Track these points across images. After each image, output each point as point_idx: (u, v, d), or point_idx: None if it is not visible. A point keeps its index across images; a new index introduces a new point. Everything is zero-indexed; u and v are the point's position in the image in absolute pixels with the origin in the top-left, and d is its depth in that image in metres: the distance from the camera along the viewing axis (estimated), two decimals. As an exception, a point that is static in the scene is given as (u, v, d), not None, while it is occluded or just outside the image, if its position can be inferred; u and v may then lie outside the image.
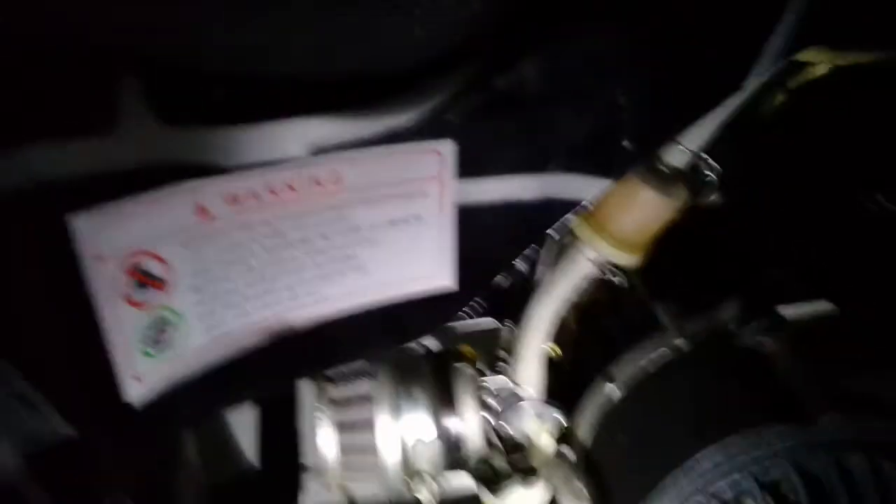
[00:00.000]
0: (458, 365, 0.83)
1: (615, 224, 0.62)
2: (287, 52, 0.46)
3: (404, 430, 0.80)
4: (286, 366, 0.59)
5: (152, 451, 0.59)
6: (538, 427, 0.79)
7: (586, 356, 0.79)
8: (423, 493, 0.83)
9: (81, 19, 0.39)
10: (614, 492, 0.71)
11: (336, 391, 0.81)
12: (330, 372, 0.82)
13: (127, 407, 0.51)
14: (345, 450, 0.81)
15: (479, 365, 0.84)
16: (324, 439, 0.81)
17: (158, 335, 0.51)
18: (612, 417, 0.72)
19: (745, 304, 0.67)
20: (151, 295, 0.50)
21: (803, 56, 0.57)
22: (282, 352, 0.57)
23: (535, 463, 0.81)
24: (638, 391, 0.71)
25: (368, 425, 0.81)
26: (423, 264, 0.59)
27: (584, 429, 0.75)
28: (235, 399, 0.62)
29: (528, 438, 0.81)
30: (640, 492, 0.66)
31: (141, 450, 0.56)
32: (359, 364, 0.82)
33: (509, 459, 0.83)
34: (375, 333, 0.61)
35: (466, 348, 0.87)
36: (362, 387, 0.81)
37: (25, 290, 0.45)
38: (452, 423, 0.82)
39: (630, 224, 0.61)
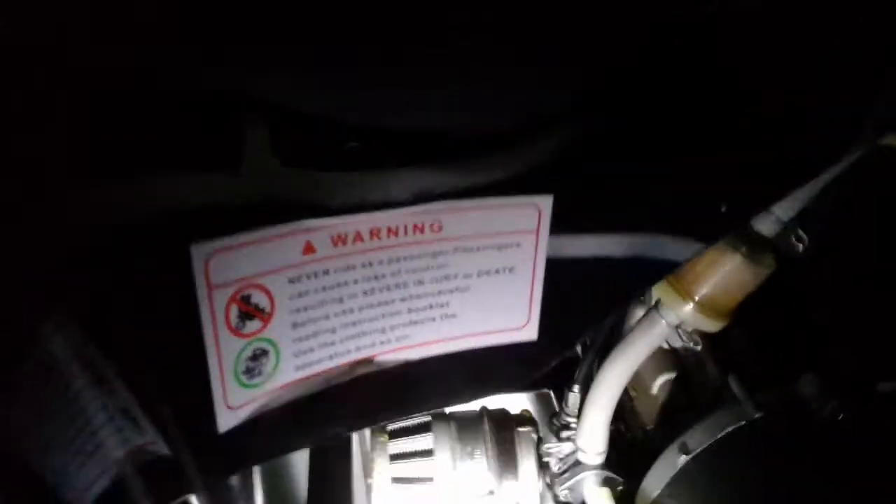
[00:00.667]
0: (519, 429, 0.83)
1: (701, 289, 0.62)
2: (409, 109, 0.48)
3: (462, 488, 0.80)
4: (367, 407, 0.60)
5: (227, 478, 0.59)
6: (600, 495, 0.78)
7: (655, 425, 0.78)
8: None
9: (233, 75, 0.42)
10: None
11: (395, 445, 0.81)
12: (390, 427, 0.83)
13: (217, 434, 0.52)
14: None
15: (542, 429, 0.84)
16: (379, 492, 0.81)
17: (255, 365, 0.52)
18: (681, 488, 0.71)
19: (824, 379, 0.66)
20: (254, 325, 0.51)
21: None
22: (365, 393, 0.58)
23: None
24: (709, 462, 0.70)
25: (426, 482, 0.80)
26: (511, 315, 0.59)
27: (649, 499, 0.74)
28: (314, 437, 0.63)
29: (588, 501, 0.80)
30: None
31: (218, 476, 0.56)
32: (419, 420, 0.83)
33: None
34: (459, 381, 0.61)
35: (527, 412, 0.87)
36: (423, 441, 0.81)
37: (143, 312, 0.47)
38: (511, 486, 0.81)
39: (716, 290, 0.62)
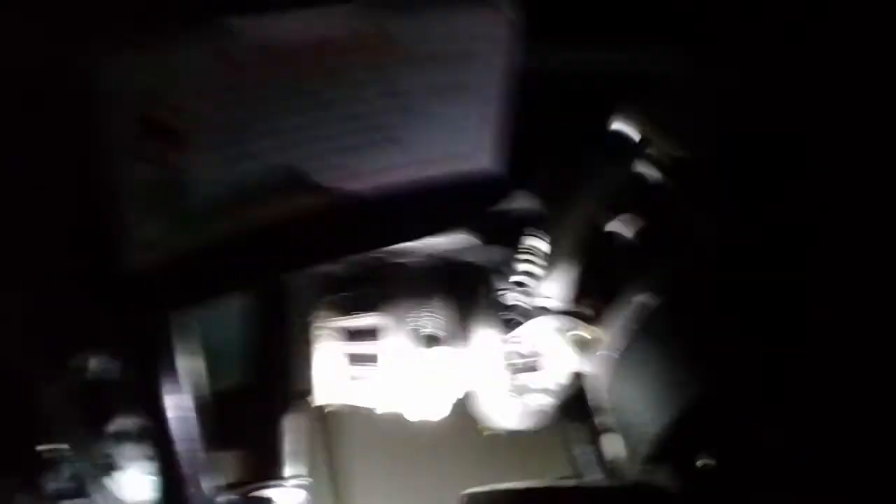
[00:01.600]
0: (474, 279, 0.78)
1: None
2: None
3: (416, 349, 0.76)
4: (303, 249, 0.53)
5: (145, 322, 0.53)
6: (560, 341, 0.74)
7: (618, 264, 0.73)
8: (430, 410, 0.79)
9: None
10: (645, 403, 0.67)
11: (340, 321, 0.76)
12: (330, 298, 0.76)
13: (131, 272, 0.45)
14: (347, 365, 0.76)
15: (498, 277, 0.79)
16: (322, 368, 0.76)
17: (168, 194, 0.45)
18: (646, 328, 0.68)
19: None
20: (165, 148, 0.43)
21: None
22: (300, 232, 0.51)
23: (555, 378, 0.77)
24: (675, 300, 0.66)
25: (373, 361, 0.76)
26: (466, 141, 0.52)
27: (613, 341, 0.70)
28: (242, 282, 0.56)
29: (549, 354, 0.76)
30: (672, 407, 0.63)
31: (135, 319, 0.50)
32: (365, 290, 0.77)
33: (528, 376, 0.79)
34: (407, 218, 0.55)
35: (484, 261, 0.81)
36: (370, 318, 0.75)
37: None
38: (463, 343, 0.77)
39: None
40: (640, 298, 0.68)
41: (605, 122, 0.61)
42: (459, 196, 0.54)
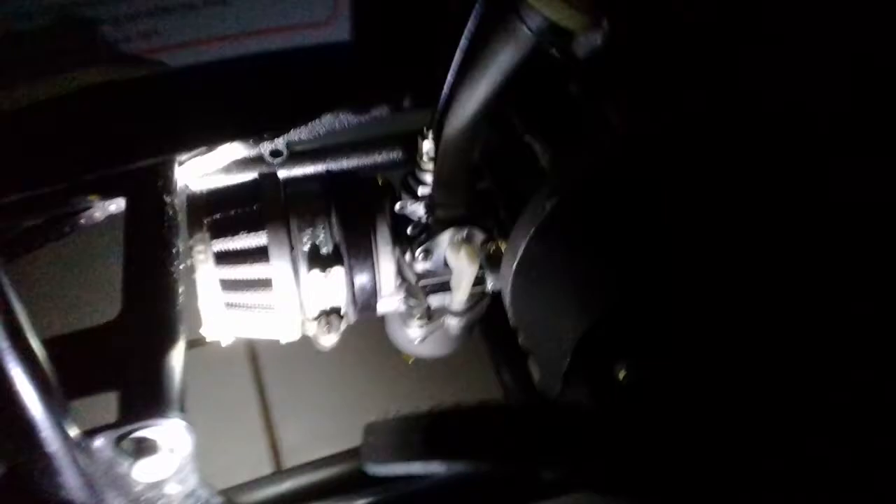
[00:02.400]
0: (367, 196, 0.71)
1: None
2: None
3: (306, 276, 0.68)
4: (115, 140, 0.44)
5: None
6: (460, 254, 0.67)
7: (519, 161, 0.66)
8: (325, 339, 0.72)
9: None
10: (555, 316, 0.60)
11: (221, 243, 0.67)
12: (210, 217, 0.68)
13: None
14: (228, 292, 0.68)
15: (393, 189, 0.71)
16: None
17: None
18: (552, 234, 0.61)
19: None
20: None
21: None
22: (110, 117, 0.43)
23: (459, 295, 0.70)
24: (580, 201, 0.59)
25: (263, 287, 0.68)
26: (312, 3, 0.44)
27: (514, 250, 0.64)
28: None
29: (450, 267, 0.69)
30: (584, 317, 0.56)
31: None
32: (246, 209, 0.68)
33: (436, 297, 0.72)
34: (238, 109, 0.46)
35: (381, 171, 0.74)
36: (254, 238, 0.67)
37: None
38: (362, 264, 0.69)
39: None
40: (540, 203, 0.61)
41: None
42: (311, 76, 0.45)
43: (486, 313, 0.78)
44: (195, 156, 0.69)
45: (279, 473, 0.81)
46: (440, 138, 0.63)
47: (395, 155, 0.78)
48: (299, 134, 0.72)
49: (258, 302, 0.68)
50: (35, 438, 0.52)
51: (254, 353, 1.20)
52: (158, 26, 0.40)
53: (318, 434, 1.10)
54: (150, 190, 0.69)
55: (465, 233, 0.67)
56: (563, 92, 0.65)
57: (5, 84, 0.39)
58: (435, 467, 0.56)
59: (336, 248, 0.68)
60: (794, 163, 0.53)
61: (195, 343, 0.69)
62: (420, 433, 0.58)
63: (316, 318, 0.71)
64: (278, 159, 0.74)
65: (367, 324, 0.76)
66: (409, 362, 0.86)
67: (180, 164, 0.68)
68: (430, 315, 0.74)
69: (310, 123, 0.70)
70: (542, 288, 0.62)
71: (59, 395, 0.54)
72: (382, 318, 0.79)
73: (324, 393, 1.17)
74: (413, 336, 0.76)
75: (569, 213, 0.60)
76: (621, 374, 0.54)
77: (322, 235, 0.68)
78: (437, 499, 0.63)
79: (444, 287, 0.73)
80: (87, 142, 0.44)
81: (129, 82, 0.42)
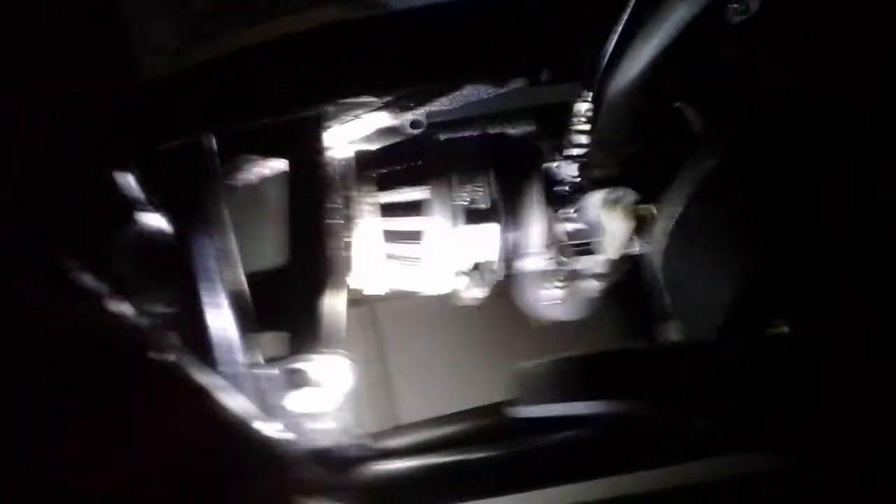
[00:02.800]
0: (524, 152, 0.74)
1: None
2: None
3: (462, 229, 0.72)
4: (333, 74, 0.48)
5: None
6: (612, 212, 0.69)
7: (671, 127, 0.67)
8: (475, 289, 0.75)
9: None
10: (709, 276, 0.61)
11: (386, 196, 0.72)
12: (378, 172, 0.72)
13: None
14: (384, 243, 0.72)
15: (547, 150, 0.74)
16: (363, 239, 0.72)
17: None
18: (708, 195, 0.62)
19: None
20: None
21: None
22: (330, 53, 0.47)
23: (608, 253, 0.72)
24: (742, 162, 0.60)
25: (418, 239, 0.72)
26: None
27: (672, 213, 0.65)
28: (265, 108, 0.51)
29: (601, 228, 0.71)
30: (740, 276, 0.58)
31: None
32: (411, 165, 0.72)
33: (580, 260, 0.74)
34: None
35: (533, 132, 0.77)
36: (418, 193, 0.71)
37: None
38: (514, 221, 0.73)
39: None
40: (698, 164, 0.63)
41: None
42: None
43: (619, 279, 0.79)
44: (343, 122, 0.74)
45: (425, 422, 0.84)
46: (601, 98, 0.65)
47: (530, 128, 0.79)
48: (439, 104, 0.75)
49: (417, 253, 0.72)
50: (225, 357, 0.58)
51: (376, 317, 1.23)
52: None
53: (437, 399, 1.13)
54: (309, 150, 0.74)
55: (619, 193, 0.69)
56: (716, 57, 0.66)
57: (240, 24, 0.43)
58: (587, 409, 0.58)
59: (492, 204, 0.72)
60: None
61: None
62: (571, 375, 0.59)
63: (467, 272, 0.75)
64: (418, 130, 0.78)
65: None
66: (535, 326, 0.87)
67: (327, 130, 0.73)
68: (574, 276, 0.76)
69: (450, 95, 0.73)
70: (700, 247, 0.63)
71: (253, 326, 0.60)
72: (509, 284, 0.81)
73: (443, 361, 1.19)
74: (550, 297, 0.78)
75: (728, 175, 0.61)
76: (779, 331, 0.55)
77: (480, 192, 0.71)
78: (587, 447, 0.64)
79: (590, 249, 0.75)
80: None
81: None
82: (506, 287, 0.80)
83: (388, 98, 0.73)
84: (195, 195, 0.53)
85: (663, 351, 0.65)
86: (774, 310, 0.56)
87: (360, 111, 0.73)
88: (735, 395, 0.56)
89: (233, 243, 0.56)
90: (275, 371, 0.64)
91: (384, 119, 0.74)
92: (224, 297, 0.57)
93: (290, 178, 0.77)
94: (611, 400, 0.57)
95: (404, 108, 0.75)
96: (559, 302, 0.79)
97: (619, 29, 0.61)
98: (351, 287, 0.75)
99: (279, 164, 0.79)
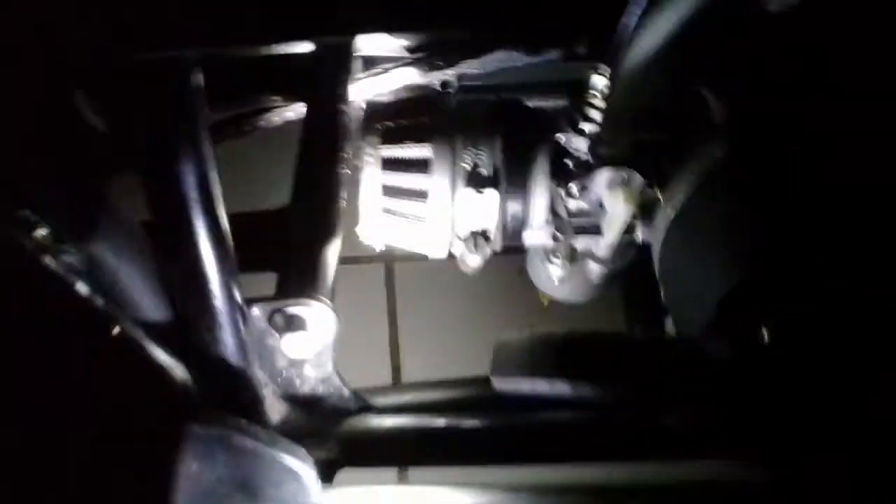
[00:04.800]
0: (535, 120, 0.72)
1: None
2: None
3: (462, 193, 0.70)
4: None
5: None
6: (616, 194, 0.67)
7: (691, 113, 0.65)
8: (470, 256, 0.74)
9: None
10: (705, 269, 0.59)
11: (389, 150, 0.70)
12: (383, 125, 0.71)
13: None
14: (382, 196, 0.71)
15: (560, 121, 0.72)
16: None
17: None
18: (712, 185, 0.60)
19: None
20: None
21: None
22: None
23: (608, 237, 0.70)
24: (751, 156, 0.58)
25: (420, 198, 0.71)
26: None
27: (674, 198, 0.63)
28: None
29: (604, 208, 0.69)
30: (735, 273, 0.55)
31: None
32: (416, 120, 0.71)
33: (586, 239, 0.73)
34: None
35: (546, 102, 0.75)
36: (421, 150, 0.70)
37: None
38: (517, 192, 0.71)
39: None
40: (708, 151, 0.60)
41: None
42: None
43: (628, 268, 0.78)
44: (371, 75, 0.73)
45: (408, 384, 0.84)
46: (617, 74, 0.62)
47: (562, 101, 0.77)
48: (471, 67, 0.73)
49: (414, 212, 0.71)
50: (207, 295, 0.57)
51: (391, 275, 1.23)
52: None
53: (442, 365, 1.13)
54: (329, 97, 0.73)
55: (625, 175, 0.67)
56: (744, 45, 0.63)
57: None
58: (561, 388, 0.57)
59: (495, 171, 0.70)
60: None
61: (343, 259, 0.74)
62: (550, 352, 0.58)
63: (464, 238, 0.74)
64: (449, 89, 0.77)
65: (509, 260, 0.77)
66: (545, 303, 0.86)
67: (356, 80, 0.72)
68: (573, 255, 0.74)
69: (482, 58, 0.72)
70: (697, 241, 0.61)
71: (233, 264, 0.60)
72: (524, 255, 0.80)
73: (454, 324, 1.18)
74: (553, 275, 0.77)
75: (736, 167, 0.59)
76: (765, 334, 0.53)
77: (484, 157, 0.70)
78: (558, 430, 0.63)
79: (594, 230, 0.72)
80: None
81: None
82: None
83: (419, 54, 0.72)
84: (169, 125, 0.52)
85: (644, 342, 0.63)
86: (762, 314, 0.54)
87: (389, 65, 0.73)
88: (711, 398, 0.54)
89: (215, 180, 0.56)
90: (257, 311, 0.64)
91: (414, 76, 0.73)
92: (204, 234, 0.57)
93: (307, 119, 0.77)
94: (580, 383, 0.56)
95: (434, 68, 0.74)
96: (562, 281, 0.77)
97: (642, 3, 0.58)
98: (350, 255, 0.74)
99: (301, 108, 0.79)
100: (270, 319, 0.62)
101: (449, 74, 0.73)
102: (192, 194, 0.55)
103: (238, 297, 0.60)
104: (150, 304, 0.57)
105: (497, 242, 0.74)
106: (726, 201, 0.59)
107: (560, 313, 0.87)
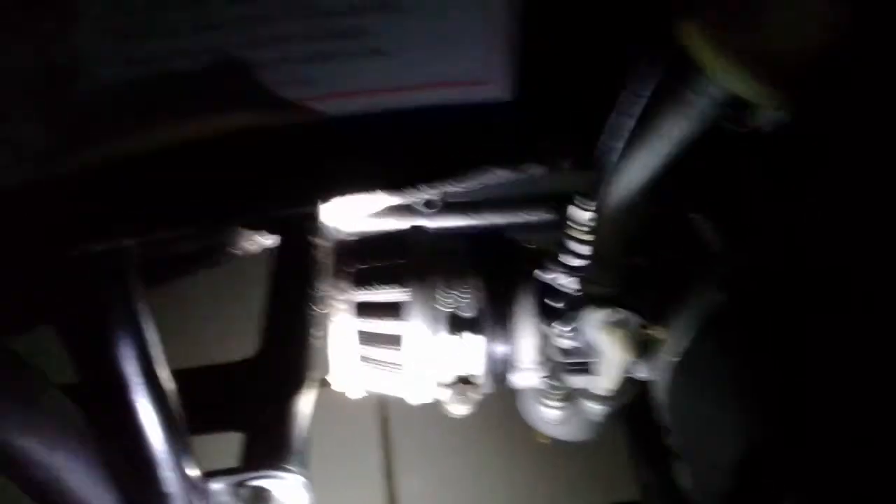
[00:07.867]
0: (515, 257, 0.66)
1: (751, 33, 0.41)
2: None
3: (443, 338, 0.64)
4: (242, 191, 0.43)
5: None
6: (612, 337, 0.61)
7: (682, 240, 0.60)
8: (457, 407, 0.68)
9: None
10: (716, 425, 0.53)
11: (363, 294, 0.65)
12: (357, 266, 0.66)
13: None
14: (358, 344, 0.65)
15: (544, 256, 0.66)
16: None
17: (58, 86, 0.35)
18: (718, 332, 0.54)
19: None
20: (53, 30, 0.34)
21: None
22: (237, 166, 0.41)
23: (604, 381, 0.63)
24: (758, 300, 0.52)
25: (394, 343, 0.65)
26: (470, 58, 0.41)
27: (676, 343, 0.57)
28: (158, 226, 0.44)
29: (599, 351, 0.63)
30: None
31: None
32: (391, 262, 0.66)
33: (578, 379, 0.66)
34: (387, 161, 0.43)
35: (527, 237, 0.70)
36: (398, 294, 0.64)
37: None
38: (503, 334, 0.65)
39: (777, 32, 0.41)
40: (711, 294, 0.54)
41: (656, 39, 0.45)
42: (462, 131, 0.42)
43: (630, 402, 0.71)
44: (347, 199, 0.69)
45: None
46: (601, 209, 0.57)
47: (548, 216, 0.73)
48: (454, 186, 0.69)
49: (393, 359, 0.65)
50: (155, 477, 0.51)
51: (384, 404, 1.17)
52: (315, 74, 0.38)
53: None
54: (299, 234, 0.69)
55: (620, 316, 0.61)
56: (739, 168, 0.58)
57: (159, 122, 0.38)
58: None
59: (479, 313, 0.64)
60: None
61: (328, 382, 0.67)
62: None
63: (449, 385, 0.67)
64: (432, 210, 0.72)
65: (508, 392, 0.71)
66: (547, 442, 0.80)
67: (333, 206, 0.68)
68: (569, 395, 0.68)
69: (466, 177, 0.68)
70: (706, 389, 0.55)
71: (183, 434, 0.53)
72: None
73: (450, 459, 1.11)
74: (547, 416, 0.70)
75: (739, 313, 0.53)
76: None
77: (465, 299, 0.64)
78: None
79: (588, 368, 0.66)
80: (239, 184, 0.43)
81: (285, 128, 0.41)
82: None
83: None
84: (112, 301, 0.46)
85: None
86: (786, 485, 0.47)
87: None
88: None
89: (156, 343, 0.50)
90: (218, 486, 0.58)
91: (394, 197, 0.69)
92: (149, 402, 0.51)
93: (275, 259, 0.72)
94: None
95: (416, 189, 0.70)
96: (559, 422, 0.71)
97: (619, 133, 0.54)
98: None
99: (268, 241, 0.75)
100: (235, 494, 0.56)
101: (433, 194, 0.70)
102: (129, 370, 0.50)
103: (193, 473, 0.53)
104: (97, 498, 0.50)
105: (485, 387, 0.67)
106: (734, 351, 0.53)
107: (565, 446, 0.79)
